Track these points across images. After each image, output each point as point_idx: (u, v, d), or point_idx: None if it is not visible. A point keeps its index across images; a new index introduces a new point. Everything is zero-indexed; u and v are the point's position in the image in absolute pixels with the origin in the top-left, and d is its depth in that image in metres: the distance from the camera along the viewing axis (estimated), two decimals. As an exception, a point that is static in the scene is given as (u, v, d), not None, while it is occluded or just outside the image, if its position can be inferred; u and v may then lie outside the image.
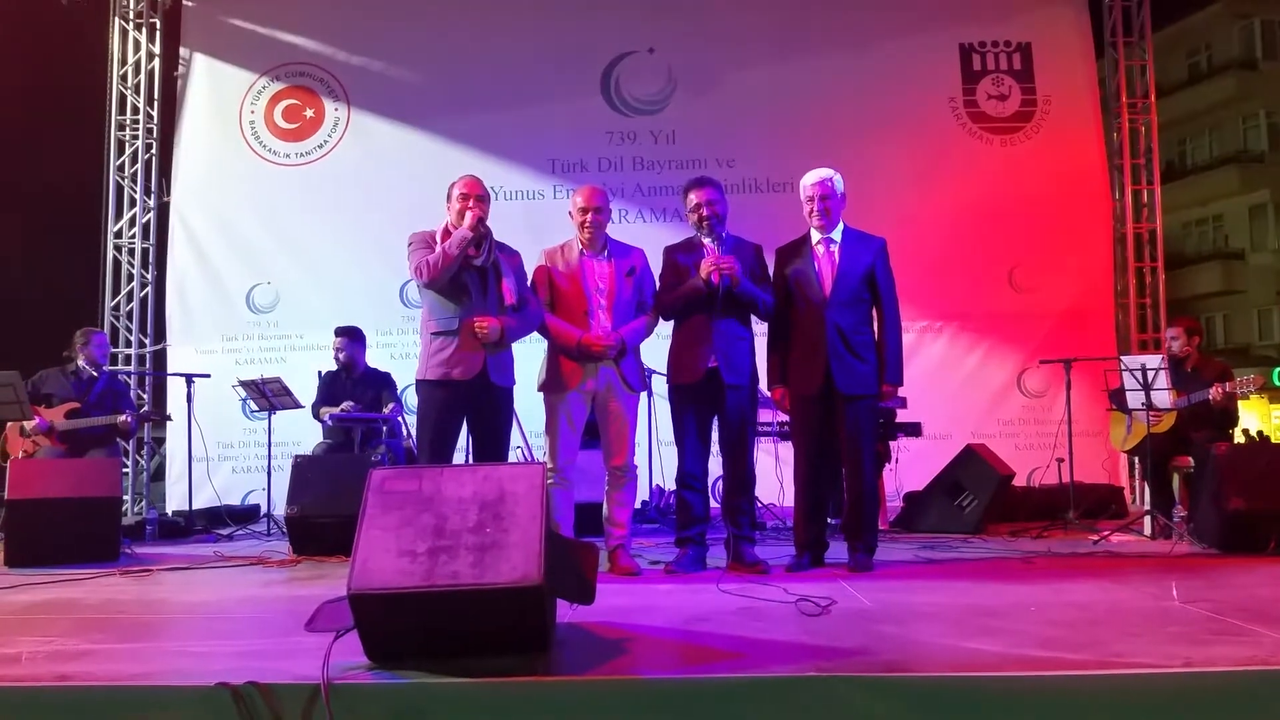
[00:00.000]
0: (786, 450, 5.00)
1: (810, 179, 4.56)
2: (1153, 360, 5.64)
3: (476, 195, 4.35)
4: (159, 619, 3.54)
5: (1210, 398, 5.57)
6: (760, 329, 4.68)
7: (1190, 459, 5.76)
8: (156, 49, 8.49)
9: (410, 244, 4.38)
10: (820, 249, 4.54)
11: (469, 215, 4.28)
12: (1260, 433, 5.54)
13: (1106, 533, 5.57)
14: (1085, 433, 7.26)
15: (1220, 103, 23.67)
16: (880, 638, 2.94)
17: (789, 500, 4.83)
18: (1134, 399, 5.60)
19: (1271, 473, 4.86)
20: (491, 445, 4.37)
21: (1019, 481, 7.04)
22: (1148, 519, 5.71)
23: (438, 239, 4.35)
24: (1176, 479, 5.99)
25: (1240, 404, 5.77)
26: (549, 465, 4.37)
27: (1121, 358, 6.00)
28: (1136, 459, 6.62)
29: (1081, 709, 2.34)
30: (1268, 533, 4.71)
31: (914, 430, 6.53)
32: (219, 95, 8.29)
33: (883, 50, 8.09)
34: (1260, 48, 23.59)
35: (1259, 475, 4.84)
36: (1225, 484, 4.84)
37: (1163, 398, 5.55)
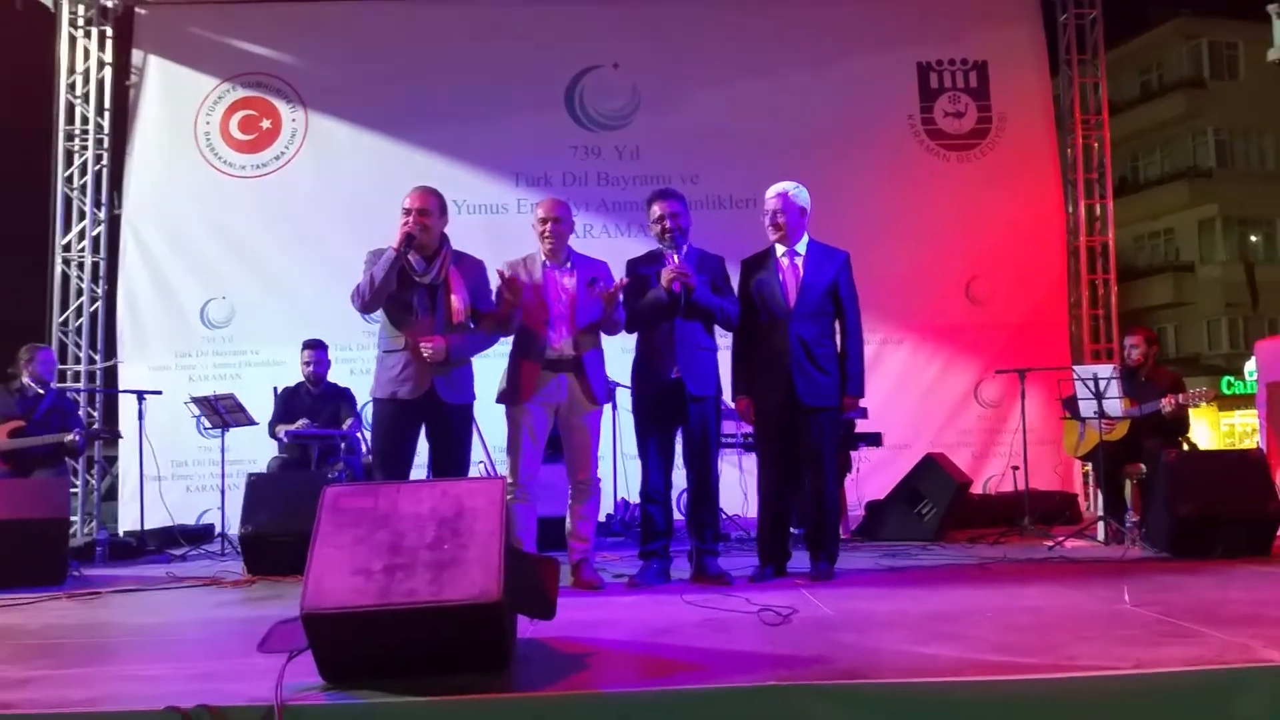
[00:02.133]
0: (751, 462, 5.02)
1: (770, 193, 4.61)
2: (1104, 370, 5.75)
3: (417, 209, 4.21)
4: (106, 642, 3.46)
5: (1162, 409, 5.67)
6: (725, 341, 4.69)
7: (1142, 466, 5.87)
8: (107, 58, 8.31)
9: (364, 262, 4.28)
10: (784, 261, 4.57)
11: (399, 232, 4.16)
12: (1193, 445, 5.67)
13: (1061, 538, 5.67)
14: (1040, 441, 7.38)
15: (1170, 120, 24.34)
16: (840, 646, 2.96)
17: (754, 511, 4.85)
18: (1086, 407, 5.69)
19: (1220, 479, 5.00)
20: (448, 463, 4.31)
21: (976, 489, 7.14)
22: (1101, 525, 5.82)
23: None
24: (1129, 485, 6.10)
25: (1191, 412, 5.89)
26: (510, 480, 4.34)
27: (1074, 367, 6.10)
28: (1090, 466, 6.72)
29: (1035, 711, 2.38)
30: (1216, 536, 4.83)
31: (875, 440, 6.60)
32: (172, 106, 8.15)
33: (842, 69, 8.17)
34: (1208, 67, 24.29)
35: (1208, 482, 4.97)
36: (1175, 490, 4.96)
37: (1115, 406, 5.65)
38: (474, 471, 4.86)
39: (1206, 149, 24.40)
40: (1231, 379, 21.75)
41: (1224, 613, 3.32)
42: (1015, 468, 6.53)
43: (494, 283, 4.43)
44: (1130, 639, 2.88)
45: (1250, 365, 19.24)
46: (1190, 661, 2.54)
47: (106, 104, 8.30)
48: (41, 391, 6.20)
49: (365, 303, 4.18)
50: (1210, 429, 22.10)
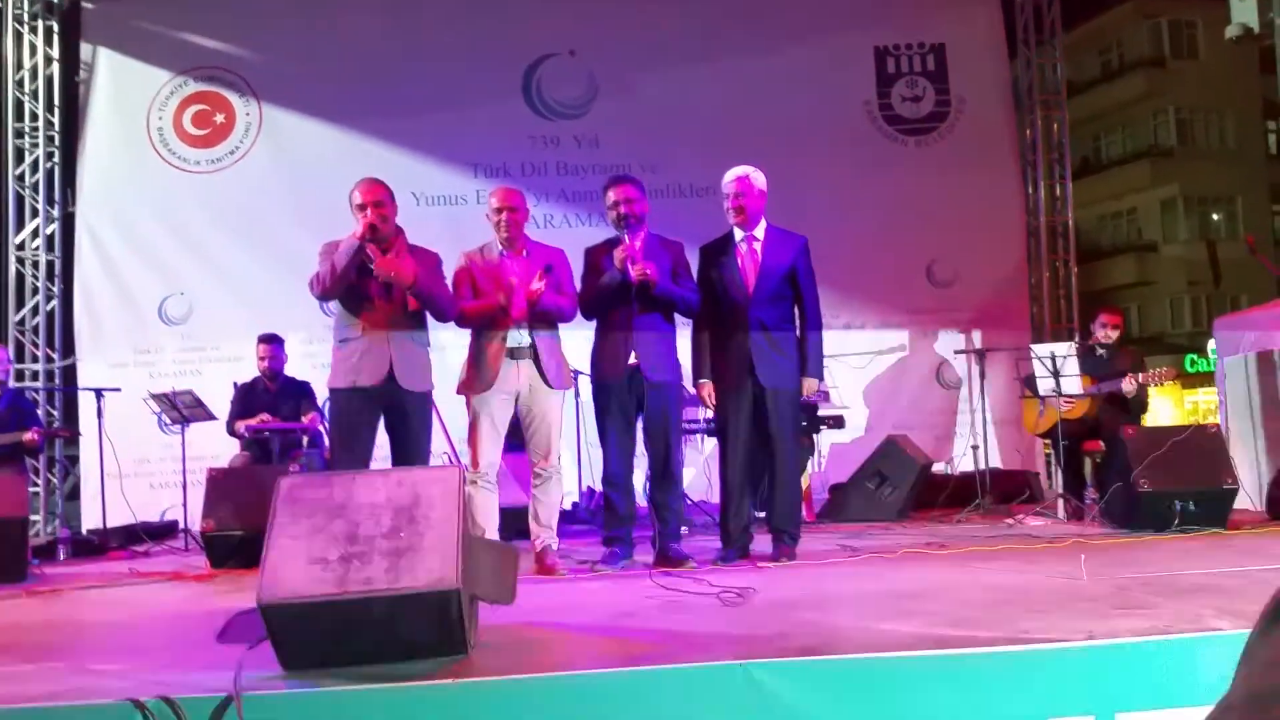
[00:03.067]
0: (715, 446, 5.07)
1: (728, 177, 4.62)
2: (1062, 348, 5.83)
3: (373, 201, 4.24)
4: (67, 639, 3.42)
5: (1123, 388, 5.75)
6: (684, 326, 4.71)
7: (1101, 443, 5.96)
8: (55, 53, 8.15)
9: (320, 254, 4.31)
10: (743, 246, 4.59)
11: (359, 223, 4.20)
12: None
13: (1021, 516, 5.77)
14: (1001, 421, 7.49)
15: (1131, 100, 24.55)
16: (799, 624, 2.99)
17: (718, 496, 4.88)
18: (1044, 386, 5.77)
19: (1177, 454, 5.06)
20: (408, 452, 4.32)
21: (938, 470, 7.22)
22: (1060, 502, 5.91)
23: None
24: (1089, 463, 6.19)
25: (1155, 390, 5.98)
26: (472, 468, 4.35)
27: (1032, 346, 6.18)
28: (1050, 444, 6.82)
29: (990, 683, 2.41)
30: (1173, 510, 4.91)
31: (838, 423, 6.65)
32: (124, 102, 8.02)
33: (800, 55, 8.17)
34: (1168, 46, 24.47)
35: (1165, 457, 5.04)
36: (1133, 466, 5.03)
37: (1073, 384, 5.73)
38: (437, 462, 4.85)
39: (1167, 128, 24.64)
40: (1195, 357, 22.04)
41: (1179, 584, 3.37)
42: (975, 447, 6.61)
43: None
44: (1085, 612, 2.92)
45: (1213, 343, 19.53)
46: (1143, 632, 2.56)
47: (56, 100, 8.15)
48: (-2, 391, 6.13)
49: (325, 290, 4.20)
50: (1174, 407, 22.43)
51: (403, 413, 4.30)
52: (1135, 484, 4.98)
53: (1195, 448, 5.14)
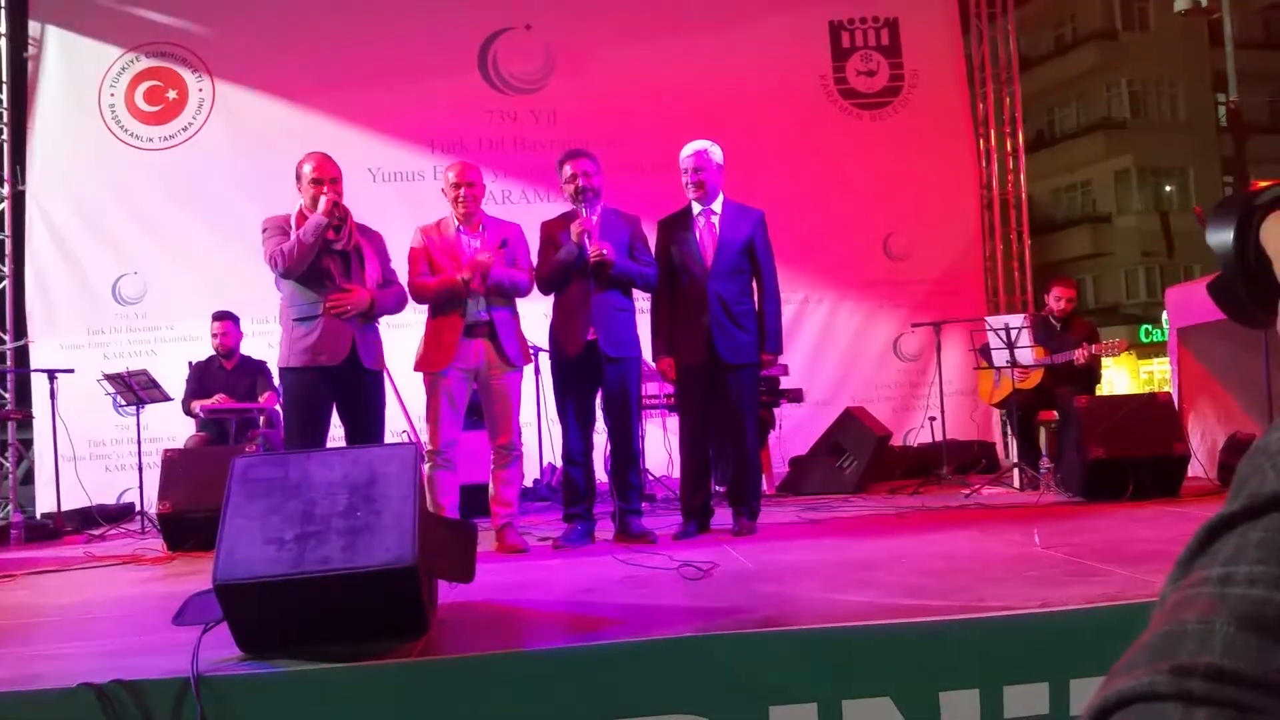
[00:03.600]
0: (675, 422, 5.08)
1: (686, 151, 4.63)
2: (1015, 319, 5.90)
3: (330, 178, 4.25)
4: (22, 623, 3.39)
5: (1075, 359, 5.85)
6: (644, 302, 4.71)
7: (1055, 413, 6.06)
8: (2, 28, 7.97)
9: (264, 231, 4.27)
10: (701, 220, 4.61)
11: (323, 200, 4.18)
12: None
13: (977, 486, 5.84)
14: (957, 392, 7.57)
15: (1085, 72, 24.71)
16: (758, 596, 3.03)
17: (679, 472, 4.90)
18: (999, 357, 5.84)
19: (1129, 423, 5.13)
20: (365, 431, 4.30)
21: (897, 441, 7.30)
22: (1016, 472, 5.99)
23: (292, 224, 4.25)
24: (1044, 433, 6.29)
25: (1110, 361, 6.06)
26: (431, 447, 4.34)
27: (987, 318, 6.26)
28: (1005, 415, 6.93)
29: (945, 652, 2.44)
30: (1126, 478, 4.97)
31: (796, 397, 6.70)
32: (75, 78, 7.85)
33: (755, 29, 8.17)
34: (1120, 19, 24.68)
35: (1117, 425, 5.10)
36: (1086, 435, 5.08)
37: (1026, 355, 5.81)
38: (394, 440, 4.83)
39: (1120, 100, 24.87)
40: (1149, 327, 22.43)
41: (1130, 551, 3.42)
42: (933, 418, 6.70)
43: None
44: (1039, 579, 2.97)
45: (1166, 314, 19.83)
46: (1095, 599, 2.61)
47: (4, 76, 7.97)
48: (-52, 375, 6.03)
49: (289, 267, 4.14)
50: (1130, 377, 22.81)
51: (360, 392, 4.29)
52: (1088, 453, 5.04)
53: (1147, 416, 5.21)
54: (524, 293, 4.54)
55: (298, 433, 4.20)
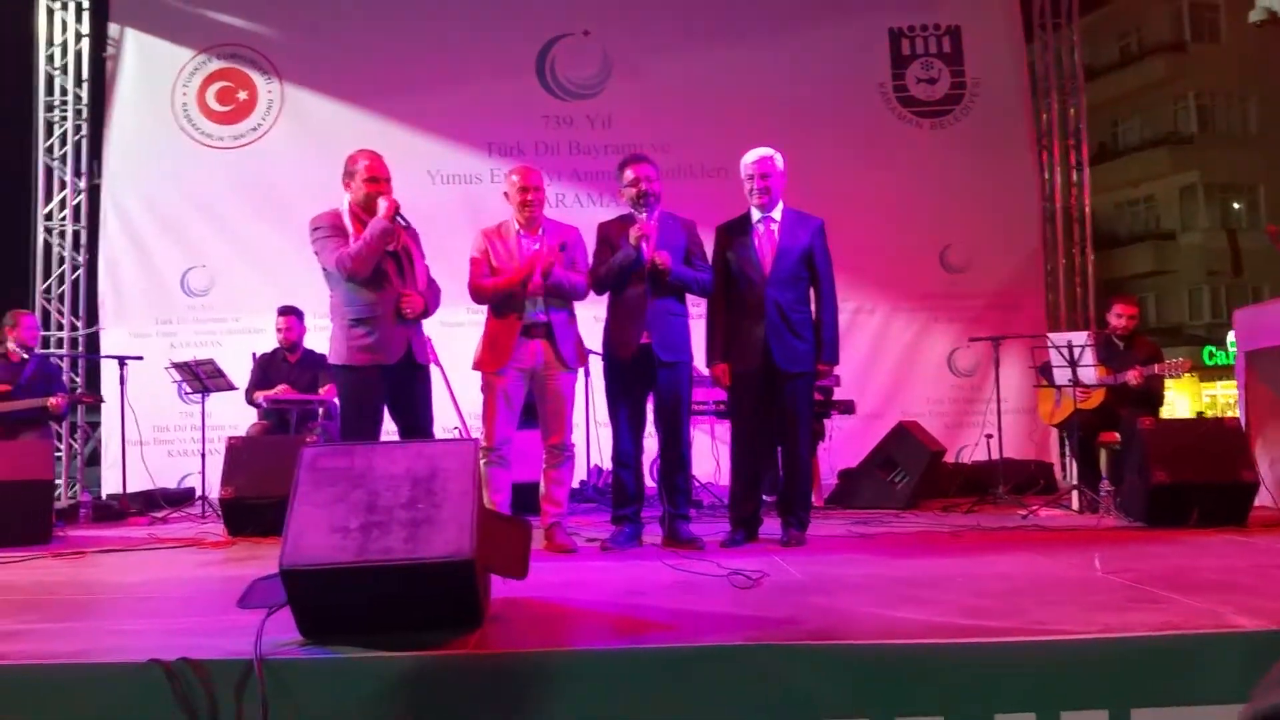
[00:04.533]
0: (723, 429, 5.07)
1: (750, 157, 4.61)
2: (1079, 337, 5.77)
3: (385, 178, 4.33)
4: (92, 599, 3.51)
5: (1129, 381, 5.72)
6: (697, 307, 4.72)
7: (1117, 435, 5.93)
8: (84, 29, 8.29)
9: (316, 229, 4.31)
10: (760, 227, 4.60)
11: (384, 204, 4.24)
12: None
13: (1034, 507, 5.66)
14: (1015, 410, 7.46)
15: (1150, 84, 24.11)
16: (809, 608, 2.99)
17: (726, 479, 4.89)
18: (1060, 375, 5.72)
19: (1194, 447, 4.97)
20: (418, 427, 4.37)
21: (950, 458, 7.19)
22: (1075, 494, 5.84)
23: (347, 222, 4.30)
24: (1104, 455, 6.15)
25: (1171, 384, 5.89)
26: (485, 444, 4.39)
27: (1049, 335, 6.14)
28: (1065, 435, 6.79)
29: (1002, 674, 2.41)
30: (1190, 505, 4.80)
31: (848, 408, 6.63)
32: (150, 77, 8.12)
33: (815, 36, 8.15)
34: (1189, 30, 24.05)
35: (1182, 449, 4.94)
36: (1149, 458, 4.91)
37: (1089, 374, 5.68)
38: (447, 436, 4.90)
39: (1187, 114, 24.23)
40: (1213, 349, 21.85)
41: (1194, 580, 3.33)
42: (989, 436, 6.59)
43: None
44: (1099, 605, 2.91)
45: (1232, 335, 19.30)
46: (1158, 627, 2.55)
47: (84, 75, 8.29)
48: (26, 357, 6.26)
49: (356, 270, 4.20)
50: (1191, 400, 22.26)
51: (412, 387, 4.37)
52: (1151, 477, 4.87)
53: (1214, 441, 5.03)
54: (580, 296, 4.58)
55: (355, 428, 4.26)
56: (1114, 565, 3.65)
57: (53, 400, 6.07)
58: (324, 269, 4.34)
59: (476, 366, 4.50)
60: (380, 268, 4.26)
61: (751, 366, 4.51)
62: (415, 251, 4.43)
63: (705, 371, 4.77)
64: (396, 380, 4.31)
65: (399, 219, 4.28)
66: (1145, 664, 2.43)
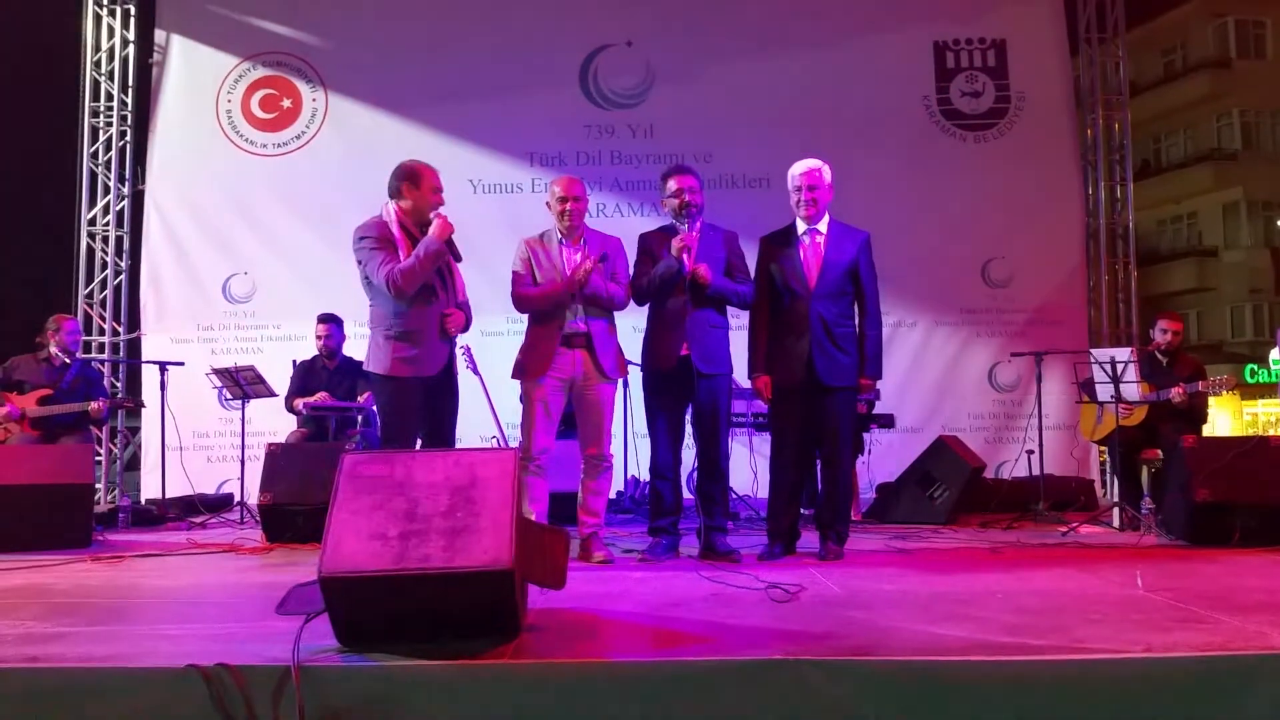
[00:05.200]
0: (761, 441, 5.04)
1: (799, 169, 4.58)
2: (1122, 353, 5.70)
3: (441, 189, 4.34)
4: (130, 603, 3.53)
5: (1171, 398, 5.63)
6: (738, 319, 4.70)
7: (1159, 452, 5.84)
8: (130, 35, 8.44)
9: (363, 239, 4.25)
10: (806, 240, 4.57)
11: (438, 223, 4.20)
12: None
13: (1075, 524, 5.61)
14: (1056, 426, 7.37)
15: (1194, 101, 23.94)
16: (848, 623, 2.96)
17: (763, 491, 4.85)
18: (1103, 391, 5.66)
19: (1238, 464, 4.88)
20: (443, 436, 4.37)
21: (989, 474, 7.11)
22: (1116, 511, 5.76)
23: (394, 231, 4.22)
24: (1146, 472, 6.07)
25: (1212, 401, 5.83)
26: (524, 453, 4.38)
27: (1092, 350, 6.07)
28: (1106, 452, 6.69)
29: (1044, 692, 2.38)
30: (1233, 524, 4.73)
31: (887, 422, 6.59)
32: (195, 84, 8.24)
33: (858, 48, 8.14)
34: (1234, 46, 23.82)
35: (1225, 467, 4.85)
36: (1192, 475, 4.84)
37: (1132, 390, 5.61)
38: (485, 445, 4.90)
39: (1231, 130, 24.01)
40: (1255, 367, 21.54)
41: (1239, 600, 3.27)
42: (1030, 452, 6.50)
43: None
44: (1142, 624, 2.86)
45: (1275, 353, 19.04)
46: (1202, 648, 2.52)
47: (130, 81, 8.43)
48: (68, 361, 6.34)
49: (405, 289, 4.16)
50: (1232, 418, 21.91)
51: (444, 398, 4.37)
52: (1194, 495, 4.81)
53: (1258, 460, 4.92)
54: (620, 306, 4.57)
55: (396, 437, 4.25)
56: (1156, 583, 3.60)
57: (94, 405, 6.15)
58: (365, 278, 4.30)
59: (516, 375, 4.50)
60: (429, 283, 4.26)
61: (794, 380, 4.47)
62: (454, 264, 4.42)
63: (746, 383, 4.74)
64: (432, 391, 4.32)
65: (450, 244, 4.25)
66: (1190, 684, 2.39)
